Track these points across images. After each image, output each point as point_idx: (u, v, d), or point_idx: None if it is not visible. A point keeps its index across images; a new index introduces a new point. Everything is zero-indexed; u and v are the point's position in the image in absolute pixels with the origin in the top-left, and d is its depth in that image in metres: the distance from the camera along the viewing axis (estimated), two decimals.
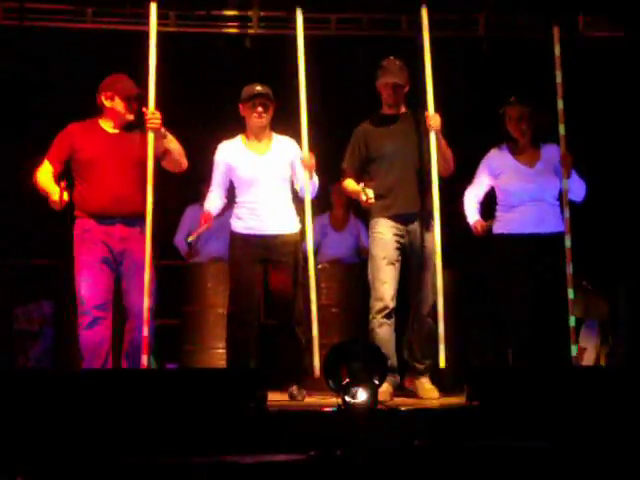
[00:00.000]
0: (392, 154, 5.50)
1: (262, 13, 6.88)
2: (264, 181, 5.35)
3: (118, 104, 5.23)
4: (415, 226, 5.49)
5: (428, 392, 5.51)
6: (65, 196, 5.06)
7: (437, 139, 5.42)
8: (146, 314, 5.05)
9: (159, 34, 5.43)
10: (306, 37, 5.56)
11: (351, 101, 6.62)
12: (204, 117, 6.90)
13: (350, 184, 5.61)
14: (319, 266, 6.40)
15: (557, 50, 5.49)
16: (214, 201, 5.46)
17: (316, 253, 6.88)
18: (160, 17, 6.79)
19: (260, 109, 5.34)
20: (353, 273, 6.52)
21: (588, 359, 6.61)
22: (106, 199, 5.14)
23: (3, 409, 4.01)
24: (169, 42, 6.77)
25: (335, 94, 6.83)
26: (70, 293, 5.36)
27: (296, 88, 5.47)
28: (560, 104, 5.46)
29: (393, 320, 5.49)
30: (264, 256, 5.36)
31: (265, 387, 4.35)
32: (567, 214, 5.42)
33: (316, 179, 5.49)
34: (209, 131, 6.25)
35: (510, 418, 4.18)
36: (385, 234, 5.50)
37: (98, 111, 5.32)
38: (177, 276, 6.63)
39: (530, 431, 4.07)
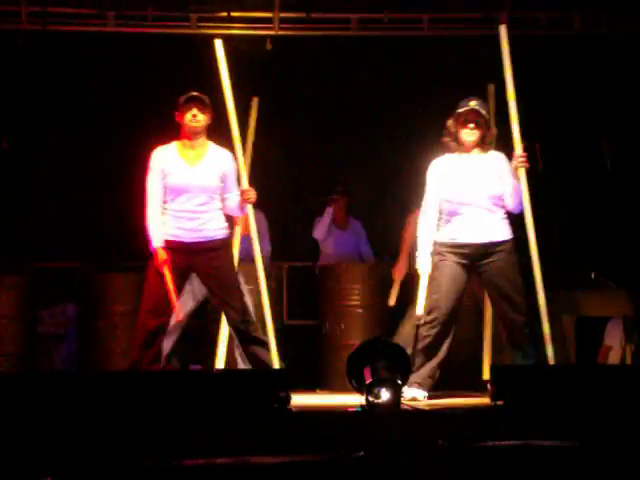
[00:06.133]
0: None
1: (282, 14, 6.89)
2: (192, 191, 5.20)
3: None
4: None
5: None
6: None
7: None
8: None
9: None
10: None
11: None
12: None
13: None
14: (343, 266, 6.46)
15: (505, 49, 5.28)
16: (160, 227, 5.21)
17: (317, 252, 6.92)
18: (182, 20, 6.91)
19: (195, 111, 5.16)
20: (375, 272, 6.54)
21: (614, 358, 6.57)
22: None
23: (31, 411, 4.05)
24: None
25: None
26: (94, 296, 5.43)
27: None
28: (512, 105, 5.25)
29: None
30: (188, 263, 5.23)
31: (288, 388, 4.35)
32: (527, 201, 5.21)
33: None
34: None
35: (534, 418, 4.16)
36: None
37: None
38: None
39: (554, 431, 4.05)
